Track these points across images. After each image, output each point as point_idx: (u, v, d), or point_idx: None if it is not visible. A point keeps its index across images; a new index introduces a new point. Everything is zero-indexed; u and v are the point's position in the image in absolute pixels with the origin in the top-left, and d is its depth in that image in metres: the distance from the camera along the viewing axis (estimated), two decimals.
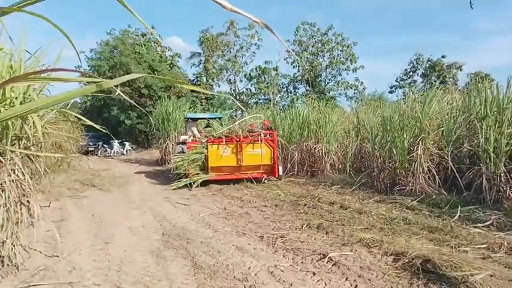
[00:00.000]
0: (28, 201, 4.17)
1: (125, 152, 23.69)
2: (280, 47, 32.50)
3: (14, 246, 3.91)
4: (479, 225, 5.37)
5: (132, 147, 25.12)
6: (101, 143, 23.36)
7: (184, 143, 11.48)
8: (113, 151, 22.80)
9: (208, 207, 7.27)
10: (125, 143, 24.16)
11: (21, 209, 4.06)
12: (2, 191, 3.66)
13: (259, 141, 10.08)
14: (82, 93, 1.42)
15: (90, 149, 22.82)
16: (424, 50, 41.19)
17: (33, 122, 4.01)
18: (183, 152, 10.78)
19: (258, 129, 10.73)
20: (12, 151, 3.81)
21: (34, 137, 4.23)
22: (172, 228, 5.60)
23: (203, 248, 4.61)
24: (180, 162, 10.04)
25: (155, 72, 25.99)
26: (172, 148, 14.73)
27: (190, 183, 9.53)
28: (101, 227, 5.68)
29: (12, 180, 3.78)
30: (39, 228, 4.42)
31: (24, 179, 4.01)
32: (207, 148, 9.98)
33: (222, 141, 9.97)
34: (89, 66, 26.89)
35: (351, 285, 3.47)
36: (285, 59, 33.82)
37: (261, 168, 10.32)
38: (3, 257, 3.69)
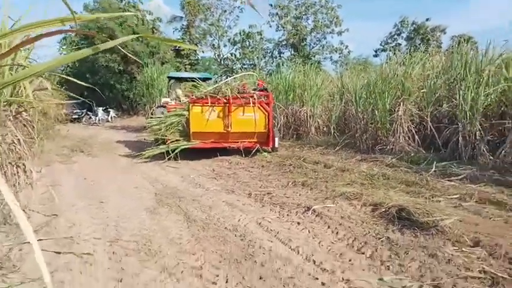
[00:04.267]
0: (24, 164, 4.32)
1: (109, 119, 23.59)
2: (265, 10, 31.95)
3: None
4: (453, 178, 5.73)
5: (116, 114, 24.99)
6: (85, 110, 23.15)
7: (165, 106, 10.46)
8: (97, 118, 22.66)
9: (197, 169, 7.50)
10: (110, 110, 23.99)
11: (17, 172, 4.21)
12: None
13: (252, 104, 8.45)
14: (78, 56, 1.55)
15: (74, 116, 22.61)
16: (409, 12, 41.06)
17: (24, 88, 4.09)
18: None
19: (250, 90, 9.09)
20: (6, 115, 3.91)
21: (25, 103, 4.32)
22: (164, 189, 5.84)
23: (195, 204, 4.88)
24: (156, 126, 8.73)
25: (138, 38, 25.49)
26: (153, 113, 12.85)
27: (167, 151, 8.11)
28: (95, 189, 5.88)
29: (9, 143, 3.91)
30: (35, 191, 4.60)
31: (19, 143, 4.15)
32: (188, 110, 8.36)
33: (207, 102, 8.31)
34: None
35: (332, 232, 3.79)
36: (267, 23, 33.37)
37: (254, 136, 8.67)
38: (5, 216, 3.88)
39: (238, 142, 8.62)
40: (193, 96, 8.56)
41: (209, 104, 8.32)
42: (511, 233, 3.52)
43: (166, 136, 8.40)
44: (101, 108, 22.96)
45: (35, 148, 5.05)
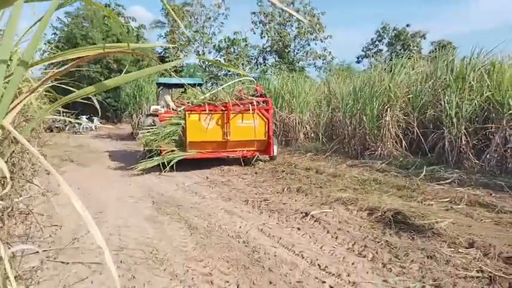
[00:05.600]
0: (24, 175, 4.31)
1: (93, 127, 23.30)
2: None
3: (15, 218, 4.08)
4: (442, 182, 5.96)
5: (100, 123, 24.70)
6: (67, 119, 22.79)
7: (155, 114, 10.00)
8: (81, 127, 22.35)
9: (190, 177, 7.54)
10: (94, 118, 23.68)
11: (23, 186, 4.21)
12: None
13: (252, 111, 8.12)
14: (134, 77, 1.64)
15: (56, 125, 22.24)
16: (389, 18, 42.13)
17: (30, 101, 4.11)
18: (155, 125, 9.03)
19: (248, 96, 8.70)
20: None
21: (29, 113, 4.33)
22: (161, 197, 5.87)
23: (194, 212, 4.94)
24: (150, 137, 8.07)
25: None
26: (141, 121, 12.42)
27: (163, 163, 7.67)
28: (90, 199, 5.85)
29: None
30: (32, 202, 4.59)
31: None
32: (184, 119, 7.96)
33: (205, 110, 7.91)
34: (57, 35, 26.50)
35: (332, 237, 3.91)
36: (251, 30, 33.65)
37: (254, 144, 8.43)
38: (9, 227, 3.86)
39: (237, 151, 8.36)
40: (189, 104, 8.18)
41: (207, 112, 7.93)
42: (503, 233, 3.72)
43: (161, 147, 7.90)
44: (84, 117, 22.66)
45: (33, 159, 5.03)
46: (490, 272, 2.88)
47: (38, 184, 3.06)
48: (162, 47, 23.54)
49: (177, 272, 3.07)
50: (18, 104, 1.36)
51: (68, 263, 3.26)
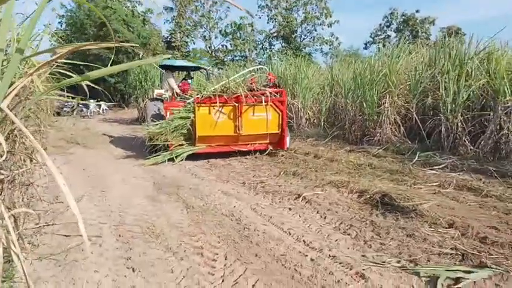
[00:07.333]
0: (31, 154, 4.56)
1: (101, 111, 23.61)
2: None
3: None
4: (435, 167, 6.11)
5: (108, 107, 24.99)
6: (76, 103, 23.13)
7: (159, 99, 9.40)
8: (89, 111, 22.66)
9: (193, 161, 7.73)
10: (101, 102, 23.95)
11: (24, 161, 4.45)
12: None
13: (265, 103, 7.59)
14: (124, 68, 1.83)
15: (65, 109, 22.57)
16: (399, 4, 41.58)
17: (33, 82, 4.31)
18: (159, 113, 8.54)
19: (260, 86, 8.11)
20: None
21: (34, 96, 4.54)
22: (162, 178, 6.11)
23: (192, 192, 5.17)
24: (158, 130, 7.38)
25: (129, 28, 25.46)
26: (146, 107, 11.11)
27: (172, 158, 7.37)
28: (94, 179, 6.12)
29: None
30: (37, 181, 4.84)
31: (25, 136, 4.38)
32: (194, 112, 7.37)
33: (215, 102, 7.29)
34: (62, 23, 26.66)
35: (321, 217, 4.11)
36: (256, 15, 33.52)
37: (267, 138, 7.98)
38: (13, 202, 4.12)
39: (248, 145, 7.93)
40: (199, 96, 7.39)
41: (217, 104, 7.32)
42: (484, 216, 3.89)
43: (168, 141, 7.36)
44: (92, 101, 22.95)
45: (39, 140, 5.26)
46: (464, 250, 3.07)
47: (37, 159, 3.24)
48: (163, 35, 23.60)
49: (171, 245, 3.31)
50: (15, 88, 1.55)
51: (69, 236, 3.51)
